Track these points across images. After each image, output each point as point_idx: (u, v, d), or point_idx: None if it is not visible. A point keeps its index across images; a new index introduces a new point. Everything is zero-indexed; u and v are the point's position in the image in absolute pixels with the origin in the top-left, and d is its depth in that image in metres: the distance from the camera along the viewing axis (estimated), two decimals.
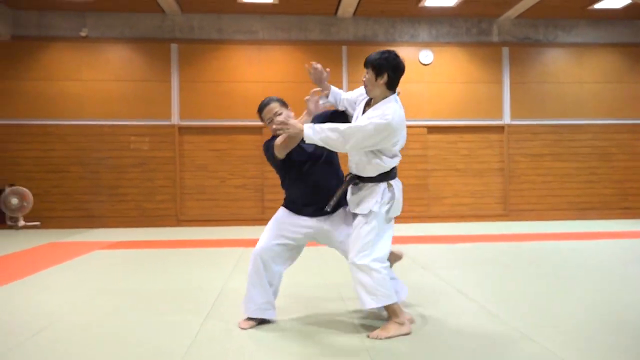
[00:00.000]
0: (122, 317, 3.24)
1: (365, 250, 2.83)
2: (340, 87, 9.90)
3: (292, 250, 3.19)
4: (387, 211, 2.92)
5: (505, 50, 10.22)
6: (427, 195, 10.08)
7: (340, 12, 9.66)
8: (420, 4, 9.30)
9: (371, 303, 2.81)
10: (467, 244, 6.72)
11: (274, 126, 3.08)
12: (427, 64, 10.12)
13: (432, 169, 10.14)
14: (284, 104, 3.31)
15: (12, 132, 9.34)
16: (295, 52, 9.84)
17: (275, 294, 3.16)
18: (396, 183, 2.98)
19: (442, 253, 5.91)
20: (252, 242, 6.67)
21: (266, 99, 3.31)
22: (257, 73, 9.75)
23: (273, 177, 9.46)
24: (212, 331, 2.95)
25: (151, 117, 9.62)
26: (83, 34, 9.45)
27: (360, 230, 2.88)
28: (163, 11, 9.51)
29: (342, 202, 3.11)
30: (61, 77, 9.48)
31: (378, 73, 2.89)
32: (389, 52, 2.92)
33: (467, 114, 10.13)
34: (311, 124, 2.88)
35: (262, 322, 3.10)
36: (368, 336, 2.84)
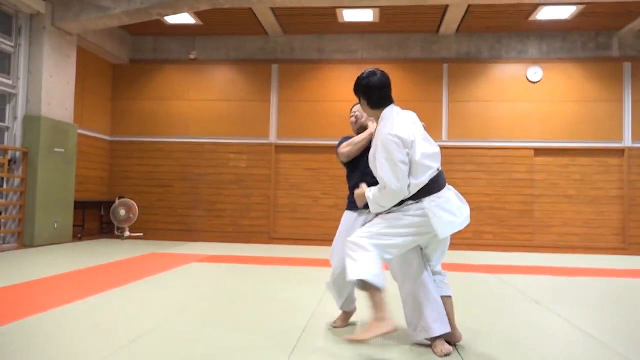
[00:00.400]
0: (211, 332, 3.17)
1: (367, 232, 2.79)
2: (440, 107, 9.60)
3: None
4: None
5: (627, 66, 9.27)
6: (533, 223, 9.29)
7: (442, 29, 9.35)
8: (531, 18, 8.74)
9: (356, 274, 2.62)
10: (582, 277, 6.00)
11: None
12: (536, 82, 9.44)
13: (540, 194, 9.34)
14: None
15: (126, 149, 10.04)
16: (394, 71, 9.63)
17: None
18: (434, 200, 2.75)
19: (554, 286, 5.30)
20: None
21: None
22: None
23: None
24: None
25: (250, 135, 9.87)
26: (192, 56, 9.99)
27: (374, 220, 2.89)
28: (266, 33, 9.80)
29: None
30: (171, 98, 10.06)
31: (359, 98, 2.99)
32: (361, 75, 2.98)
33: (581, 135, 9.27)
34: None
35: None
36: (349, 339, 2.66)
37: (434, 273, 2.99)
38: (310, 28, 9.59)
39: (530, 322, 3.62)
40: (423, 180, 2.73)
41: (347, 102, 9.62)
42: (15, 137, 7.35)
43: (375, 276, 2.61)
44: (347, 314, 3.45)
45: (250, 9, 8.57)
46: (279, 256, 7.49)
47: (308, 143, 9.73)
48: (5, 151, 7.15)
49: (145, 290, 4.50)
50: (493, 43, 9.60)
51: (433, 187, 2.75)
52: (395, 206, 2.81)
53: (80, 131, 8.56)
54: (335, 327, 3.34)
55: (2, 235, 7.20)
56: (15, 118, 7.36)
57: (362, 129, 3.42)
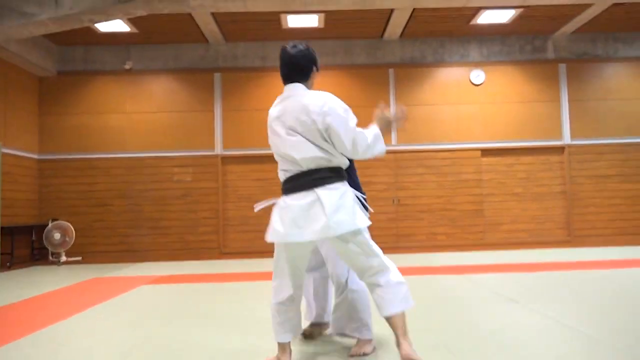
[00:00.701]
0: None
1: None
2: (388, 111, 9.58)
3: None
4: None
5: (562, 67, 9.66)
6: (483, 221, 9.43)
7: (386, 34, 9.35)
8: (472, 22, 8.91)
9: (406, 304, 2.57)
10: (542, 272, 6.05)
11: None
12: (479, 84, 9.64)
13: (488, 193, 9.51)
14: None
15: (57, 167, 9.25)
16: (340, 77, 9.53)
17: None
18: (279, 202, 2.60)
19: (523, 282, 5.28)
20: None
21: None
22: None
23: None
24: None
25: (194, 147, 9.40)
26: (127, 66, 9.41)
27: None
28: (207, 41, 9.41)
29: None
30: (105, 111, 9.41)
31: (311, 69, 2.78)
32: (297, 46, 2.76)
33: (524, 134, 9.53)
34: None
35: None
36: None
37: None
38: (253, 35, 9.29)
39: (514, 321, 3.50)
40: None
41: None
42: None
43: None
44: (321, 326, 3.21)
45: (190, 15, 8.16)
46: (233, 272, 7.10)
47: (256, 153, 9.38)
48: None
49: (94, 321, 4.01)
50: (436, 47, 9.72)
51: (285, 188, 2.56)
52: None
53: (3, 150, 7.76)
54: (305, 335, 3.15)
55: None
56: None
57: None
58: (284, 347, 2.58)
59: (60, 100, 9.39)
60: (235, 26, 8.83)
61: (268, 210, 9.25)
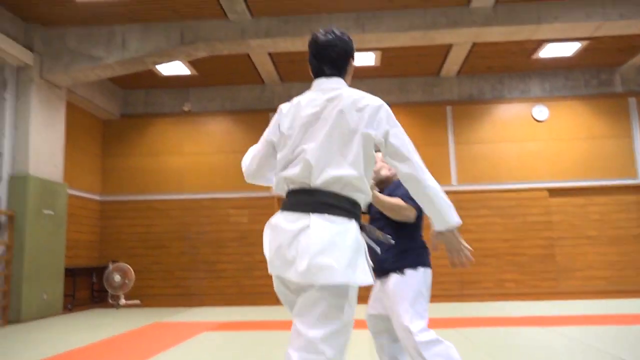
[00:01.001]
0: None
1: None
2: (446, 149, 9.25)
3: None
4: None
5: (632, 101, 9.16)
6: (555, 267, 8.80)
7: (444, 71, 9.17)
8: (534, 56, 8.62)
9: None
10: (636, 325, 5.47)
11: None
12: (542, 120, 9.23)
13: (559, 237, 8.92)
14: None
15: (117, 209, 9.33)
16: (396, 115, 9.32)
17: None
18: (271, 220, 1.94)
19: (619, 335, 4.74)
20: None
21: None
22: None
23: None
24: None
25: (251, 189, 9.30)
26: (186, 108, 9.55)
27: None
28: (263, 82, 9.48)
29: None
30: (164, 152, 9.51)
31: (347, 64, 2.10)
32: (336, 34, 2.04)
33: (595, 173, 8.98)
34: None
35: None
36: None
37: None
38: (308, 75, 9.25)
39: None
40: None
41: None
42: (0, 200, 6.63)
43: None
44: None
45: (248, 56, 8.24)
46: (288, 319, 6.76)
47: None
48: None
49: None
50: (495, 83, 9.44)
51: (284, 202, 1.92)
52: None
53: (69, 191, 7.87)
54: None
55: None
56: (0, 178, 6.67)
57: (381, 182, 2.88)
58: None
59: (123, 142, 9.57)
60: (292, 66, 8.85)
61: None
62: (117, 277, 8.13)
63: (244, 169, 2.17)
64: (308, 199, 1.80)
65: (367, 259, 1.80)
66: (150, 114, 9.65)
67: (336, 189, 1.80)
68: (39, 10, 6.77)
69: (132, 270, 8.34)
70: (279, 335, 5.41)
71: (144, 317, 7.02)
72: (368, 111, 1.88)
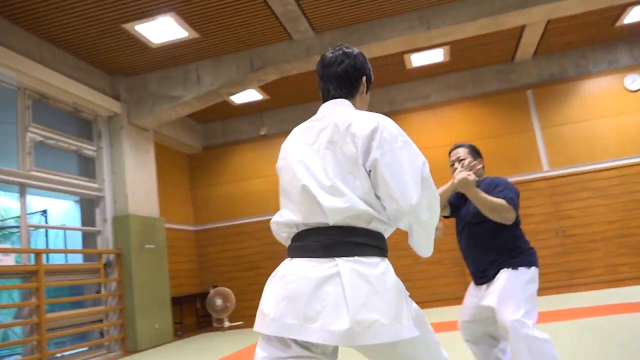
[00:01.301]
0: None
1: None
2: (533, 136, 8.76)
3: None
4: None
5: None
6: None
7: (518, 55, 8.75)
8: (617, 24, 8.00)
9: None
10: None
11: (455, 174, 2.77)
12: (636, 90, 8.51)
13: None
14: (474, 151, 2.98)
15: (211, 236, 9.76)
16: (472, 108, 9.05)
17: None
18: (279, 269, 1.67)
19: None
20: (452, 325, 5.55)
21: (457, 144, 3.08)
22: (433, 138, 9.07)
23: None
24: None
25: None
26: (262, 132, 9.84)
27: None
28: None
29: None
30: (246, 177, 9.84)
31: (364, 82, 1.82)
32: (350, 51, 1.82)
33: None
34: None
35: None
36: None
37: None
38: (378, 81, 9.24)
39: None
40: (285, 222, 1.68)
41: (426, 149, 9.05)
42: (107, 240, 7.18)
43: None
44: None
45: (314, 72, 8.33)
46: None
47: None
48: (100, 255, 6.95)
49: None
50: (577, 59, 8.86)
51: (293, 246, 1.65)
52: None
53: (166, 225, 8.35)
54: None
55: (106, 344, 6.85)
56: (104, 220, 7.22)
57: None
58: None
59: (207, 173, 10.04)
60: None
61: (416, 258, 8.65)
62: (218, 302, 8.46)
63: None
64: (326, 242, 1.52)
65: (409, 303, 1.57)
66: (229, 143, 10.05)
67: (362, 224, 1.53)
68: (120, 61, 7.30)
69: (232, 293, 8.64)
70: None
71: (248, 338, 7.23)
72: (360, 140, 1.56)
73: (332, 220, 1.53)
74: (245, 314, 9.15)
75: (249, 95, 8.98)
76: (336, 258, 1.49)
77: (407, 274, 8.84)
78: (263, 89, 8.84)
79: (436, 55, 8.41)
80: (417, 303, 6.90)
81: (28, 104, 6.26)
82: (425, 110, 9.28)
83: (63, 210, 9.01)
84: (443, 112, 9.19)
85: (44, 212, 9.80)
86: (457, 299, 8.10)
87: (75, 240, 8.13)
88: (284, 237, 1.70)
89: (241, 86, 7.73)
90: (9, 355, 6.38)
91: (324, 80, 1.79)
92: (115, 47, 6.87)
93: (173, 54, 7.28)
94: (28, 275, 5.74)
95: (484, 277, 2.66)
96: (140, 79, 7.78)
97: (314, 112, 6.64)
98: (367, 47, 7.15)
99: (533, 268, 2.61)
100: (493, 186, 2.74)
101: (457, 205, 2.90)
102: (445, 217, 2.97)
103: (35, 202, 8.36)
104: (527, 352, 2.28)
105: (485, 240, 2.69)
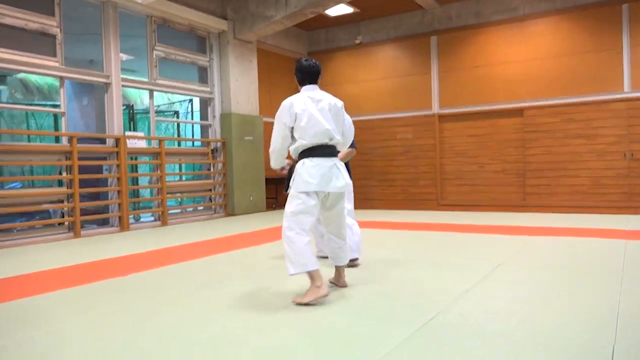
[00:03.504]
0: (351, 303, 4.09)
1: (284, 221, 3.36)
2: (620, 55, 8.49)
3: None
4: (292, 186, 3.38)
5: None
6: None
7: None
8: None
9: (290, 270, 3.28)
10: None
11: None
12: None
13: None
14: None
15: None
16: (563, 22, 8.86)
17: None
18: (306, 162, 3.34)
19: None
20: (512, 229, 6.57)
21: None
22: (517, 52, 9.24)
23: (536, 162, 8.97)
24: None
25: (414, 108, 10.33)
26: (357, 41, 10.89)
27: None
28: (422, 7, 10.05)
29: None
30: (343, 81, 11.17)
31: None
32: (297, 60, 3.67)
33: None
34: None
35: None
36: (292, 301, 3.28)
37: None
38: None
39: None
40: (305, 143, 3.34)
41: (509, 62, 9.30)
42: (215, 132, 9.47)
43: (305, 266, 3.26)
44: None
45: None
46: (448, 222, 7.79)
47: (470, 110, 9.72)
48: (209, 143, 9.31)
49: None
50: None
51: (310, 152, 3.35)
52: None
53: (265, 119, 10.32)
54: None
55: (213, 207, 9.45)
56: (214, 117, 9.46)
57: None
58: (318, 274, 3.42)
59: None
60: None
61: (482, 165, 9.64)
62: None
63: (278, 144, 3.47)
64: (330, 151, 3.43)
65: None
66: (330, 50, 11.34)
67: (337, 145, 3.53)
68: None
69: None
70: (425, 234, 6.77)
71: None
72: (341, 110, 3.56)
73: (331, 143, 3.43)
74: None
75: (342, 9, 9.99)
76: (332, 158, 3.43)
77: (472, 179, 9.76)
78: (353, 4, 9.75)
79: None
80: (480, 206, 8.95)
81: (154, 27, 8.37)
82: (512, 24, 9.33)
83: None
84: (529, 26, 9.16)
85: (190, 100, 12.58)
86: (516, 206, 8.95)
87: (197, 129, 10.64)
88: (293, 149, 3.46)
89: (322, 6, 8.84)
90: (143, 208, 9.26)
91: (310, 75, 3.56)
92: None
93: None
94: (155, 154, 8.29)
95: None
96: (243, 1, 9.36)
97: (402, 24, 9.19)
98: None
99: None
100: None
101: None
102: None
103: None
104: None
105: None
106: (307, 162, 3.34)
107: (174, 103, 13.19)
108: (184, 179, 9.74)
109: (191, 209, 9.59)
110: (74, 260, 5.07)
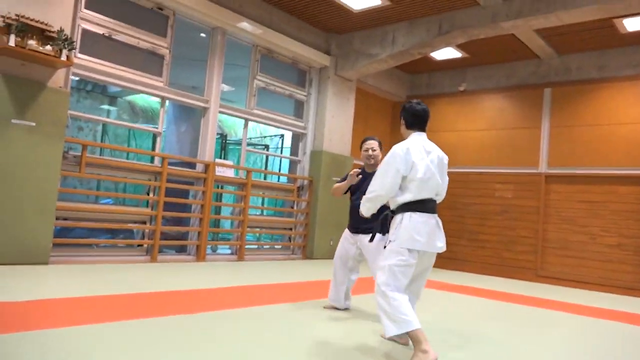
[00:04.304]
0: None
1: (379, 275, 3.10)
2: None
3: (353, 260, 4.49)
4: (394, 240, 3.10)
5: None
6: None
7: None
8: None
9: (391, 330, 2.96)
10: None
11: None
12: None
13: None
14: (380, 144, 4.57)
15: None
16: None
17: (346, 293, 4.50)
18: (413, 216, 3.10)
19: None
20: (623, 316, 5.55)
21: (369, 137, 4.67)
22: None
23: None
24: None
25: (518, 165, 9.45)
26: (461, 88, 10.29)
27: (380, 256, 3.33)
28: (538, 57, 9.31)
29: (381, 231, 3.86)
30: (441, 129, 10.53)
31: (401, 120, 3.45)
32: (407, 101, 3.65)
33: None
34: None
35: None
36: None
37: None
38: (586, 44, 8.64)
39: None
40: (413, 196, 3.12)
41: (636, 124, 8.24)
42: (304, 169, 9.14)
43: (409, 324, 2.91)
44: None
45: (513, 34, 8.35)
46: (546, 297, 6.77)
47: (584, 172, 8.69)
48: (296, 180, 8.97)
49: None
50: None
51: (417, 206, 3.13)
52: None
53: (355, 162, 9.87)
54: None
55: (292, 247, 9.01)
56: (304, 153, 9.16)
57: (371, 168, 4.41)
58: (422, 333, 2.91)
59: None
60: (564, 38, 8.45)
61: (594, 237, 8.50)
62: None
63: (386, 191, 3.18)
64: (434, 206, 3.23)
65: None
66: (431, 95, 10.81)
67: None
68: (333, 22, 8.74)
69: None
70: (520, 308, 5.93)
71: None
72: (447, 162, 3.41)
73: (436, 198, 3.27)
74: None
75: (449, 53, 9.50)
76: (435, 215, 3.24)
77: (580, 250, 8.65)
78: (462, 47, 9.23)
79: None
80: (587, 283, 7.83)
81: (258, 57, 8.31)
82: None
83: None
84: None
85: (282, 136, 12.51)
86: (631, 289, 7.74)
87: (284, 165, 10.38)
88: (394, 199, 3.23)
89: (430, 47, 8.40)
90: (221, 239, 9.01)
91: (421, 120, 3.37)
92: (327, 11, 8.29)
93: (374, 16, 8.34)
94: (241, 185, 8.05)
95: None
96: (348, 37, 9.14)
97: (514, 73, 8.54)
98: (554, 15, 6.98)
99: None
100: None
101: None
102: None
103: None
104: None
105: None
106: (414, 216, 3.11)
107: (265, 137, 13.23)
108: (264, 213, 9.43)
109: (268, 246, 9.22)
110: (146, 287, 4.76)
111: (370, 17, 8.40)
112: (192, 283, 5.25)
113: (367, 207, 3.29)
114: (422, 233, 3.07)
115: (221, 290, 5.09)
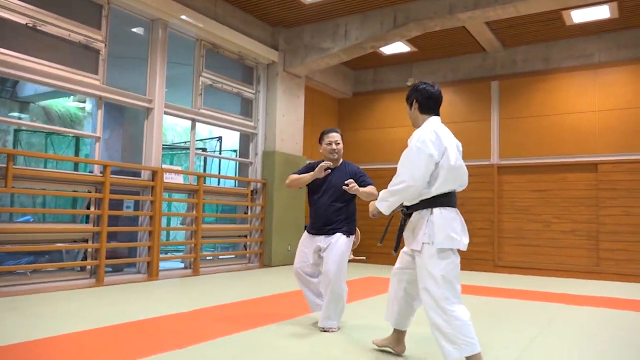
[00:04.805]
0: None
1: (433, 289, 2.70)
2: None
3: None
4: (430, 241, 2.71)
5: None
6: None
7: None
8: None
9: (451, 354, 2.58)
10: None
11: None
12: None
13: None
14: (341, 137, 4.19)
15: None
16: None
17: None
18: (443, 211, 2.75)
19: None
20: (575, 299, 5.59)
21: (331, 128, 4.25)
22: (591, 102, 8.46)
23: (612, 223, 7.96)
24: None
25: (470, 157, 9.41)
26: (409, 83, 10.14)
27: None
28: (484, 50, 9.36)
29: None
30: (390, 125, 10.36)
31: (411, 102, 3.06)
32: (418, 82, 3.07)
33: None
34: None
35: None
36: None
37: None
38: (533, 37, 8.79)
39: None
40: (443, 187, 2.75)
41: (581, 113, 8.48)
42: (256, 171, 8.54)
43: (473, 346, 2.61)
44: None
45: (464, 27, 8.30)
46: (503, 287, 6.87)
47: (535, 162, 8.83)
48: (249, 183, 8.35)
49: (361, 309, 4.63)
50: None
51: (444, 200, 2.77)
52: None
53: (307, 162, 9.42)
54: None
55: (247, 255, 8.38)
56: (256, 154, 8.56)
57: (335, 163, 4.09)
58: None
59: (355, 117, 10.80)
60: (513, 31, 8.53)
61: (548, 224, 8.50)
62: None
63: (419, 181, 2.76)
64: (456, 200, 2.88)
65: None
66: (377, 91, 10.60)
67: None
68: (280, 15, 8.23)
69: (358, 231, 9.53)
70: (477, 299, 5.70)
71: (366, 271, 8.12)
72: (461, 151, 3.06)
73: (459, 189, 2.90)
74: (370, 251, 10.05)
75: (397, 47, 9.31)
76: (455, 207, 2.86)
77: (535, 238, 8.76)
78: (411, 41, 9.07)
79: (600, 12, 7.67)
80: (543, 270, 7.49)
81: (203, 52, 7.61)
82: (584, 71, 8.60)
83: (235, 140, 10.69)
84: (606, 74, 8.42)
85: (220, 138, 11.74)
86: (587, 272, 7.90)
87: (231, 168, 9.72)
88: (436, 192, 2.79)
89: (384, 41, 8.14)
90: (172, 251, 8.23)
91: (439, 104, 3.05)
92: (276, 3, 7.77)
93: (325, 9, 7.95)
94: (192, 192, 7.32)
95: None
96: (296, 31, 8.67)
97: (460, 67, 7.91)
98: (512, 6, 6.94)
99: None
100: (359, 175, 4.01)
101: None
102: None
103: (216, 130, 10.10)
104: None
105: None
106: (444, 212, 2.76)
107: (201, 140, 12.39)
108: (216, 221, 8.72)
109: (223, 256, 8.51)
110: (91, 321, 3.92)
111: (321, 10, 7.99)
112: (146, 310, 4.46)
113: (391, 202, 2.85)
114: (457, 230, 2.76)
115: (183, 316, 4.31)
